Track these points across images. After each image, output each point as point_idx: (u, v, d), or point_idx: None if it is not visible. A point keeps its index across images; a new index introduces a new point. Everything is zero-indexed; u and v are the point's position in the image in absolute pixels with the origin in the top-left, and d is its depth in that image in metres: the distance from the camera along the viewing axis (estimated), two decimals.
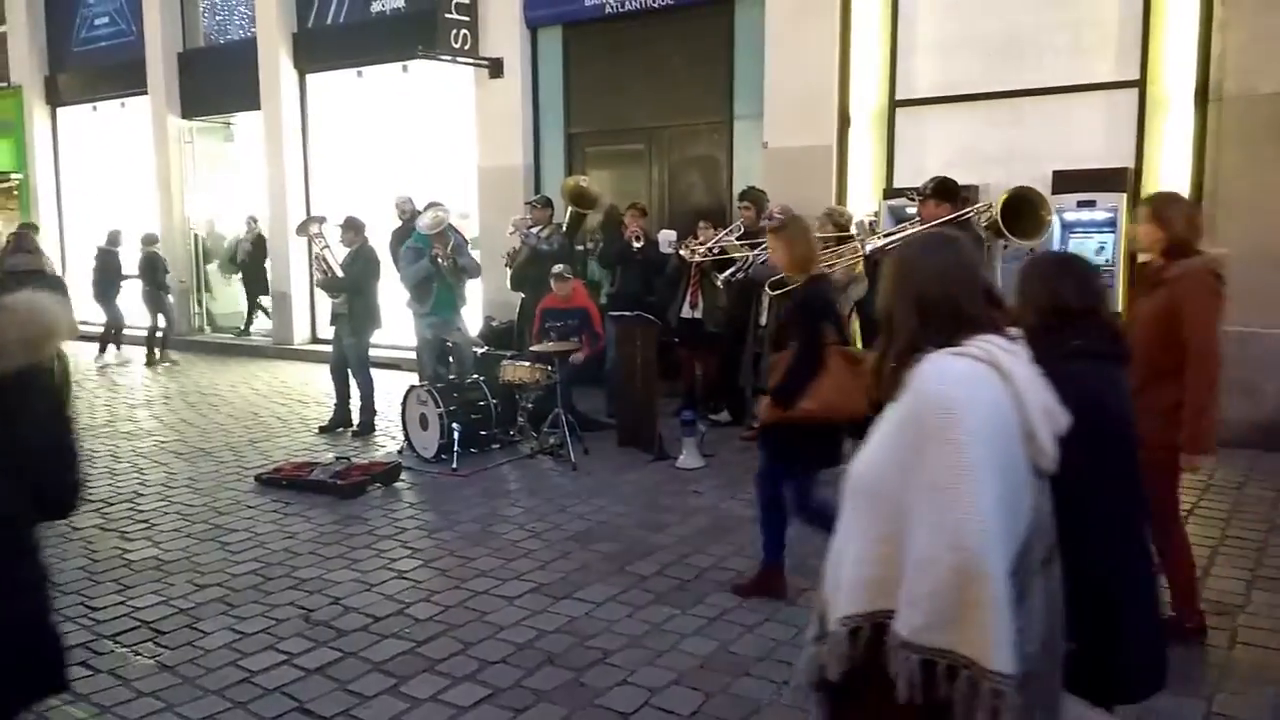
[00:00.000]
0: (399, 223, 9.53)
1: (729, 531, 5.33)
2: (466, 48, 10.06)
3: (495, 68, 10.20)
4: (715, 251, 7.44)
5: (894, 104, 8.22)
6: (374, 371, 8.05)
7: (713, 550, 5.01)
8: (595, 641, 4.06)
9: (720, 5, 9.05)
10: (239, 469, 6.84)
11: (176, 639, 4.16)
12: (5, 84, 15.45)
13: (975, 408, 1.79)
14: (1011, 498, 1.80)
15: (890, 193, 7.90)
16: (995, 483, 1.76)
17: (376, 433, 7.89)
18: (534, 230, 8.38)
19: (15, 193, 15.59)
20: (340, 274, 7.80)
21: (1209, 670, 3.69)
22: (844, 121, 8.34)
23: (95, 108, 14.91)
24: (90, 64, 14.68)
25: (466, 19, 10.04)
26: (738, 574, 4.71)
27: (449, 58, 10.01)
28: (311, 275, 10.18)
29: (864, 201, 8.29)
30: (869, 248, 5.90)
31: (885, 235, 5.92)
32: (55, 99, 15.24)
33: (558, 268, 7.63)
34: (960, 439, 1.75)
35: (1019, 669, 1.73)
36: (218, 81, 12.94)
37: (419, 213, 8.19)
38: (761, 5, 8.59)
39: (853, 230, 7.11)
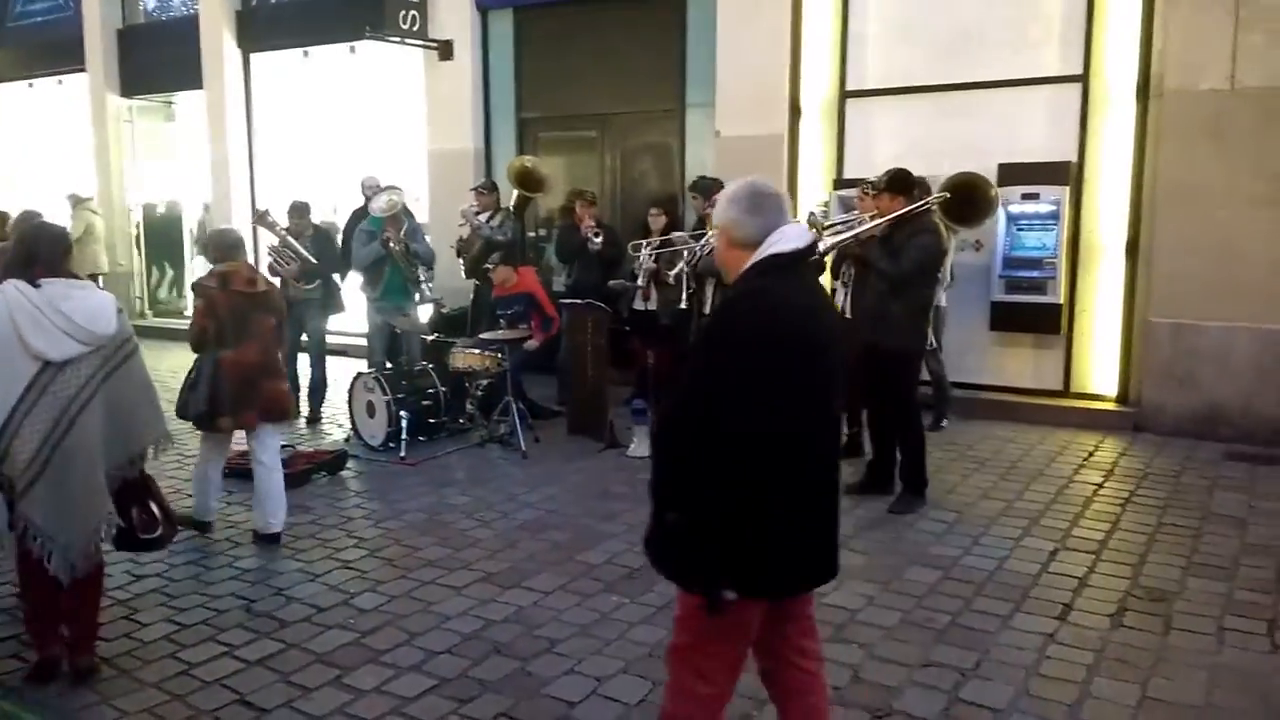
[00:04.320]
0: (362, 203, 9.38)
1: None
2: (415, 29, 9.89)
3: (445, 50, 10.05)
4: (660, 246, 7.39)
5: (844, 95, 8.27)
6: (324, 358, 7.96)
7: None
8: (543, 631, 4.04)
9: None
10: (179, 457, 6.67)
11: (114, 630, 4.05)
12: None
13: None
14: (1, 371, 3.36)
15: (840, 183, 7.96)
16: None
17: (323, 420, 7.79)
18: (483, 218, 8.30)
19: None
20: (313, 260, 7.66)
21: (1144, 655, 3.78)
22: (795, 111, 8.37)
23: (31, 85, 14.43)
24: (26, 40, 14.19)
25: (415, 0, 9.88)
26: None
27: (397, 39, 9.84)
28: (263, 262, 9.79)
29: (815, 191, 8.34)
30: (821, 246, 5.84)
31: (835, 233, 5.88)
32: None
33: (493, 259, 7.58)
34: None
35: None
36: (159, 59, 12.59)
37: (369, 197, 8.07)
38: None
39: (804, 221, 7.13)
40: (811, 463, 2.49)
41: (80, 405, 3.46)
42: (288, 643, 3.96)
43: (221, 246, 5.06)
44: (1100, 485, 5.91)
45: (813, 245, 2.55)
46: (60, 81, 13.96)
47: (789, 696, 2.73)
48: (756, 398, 2.35)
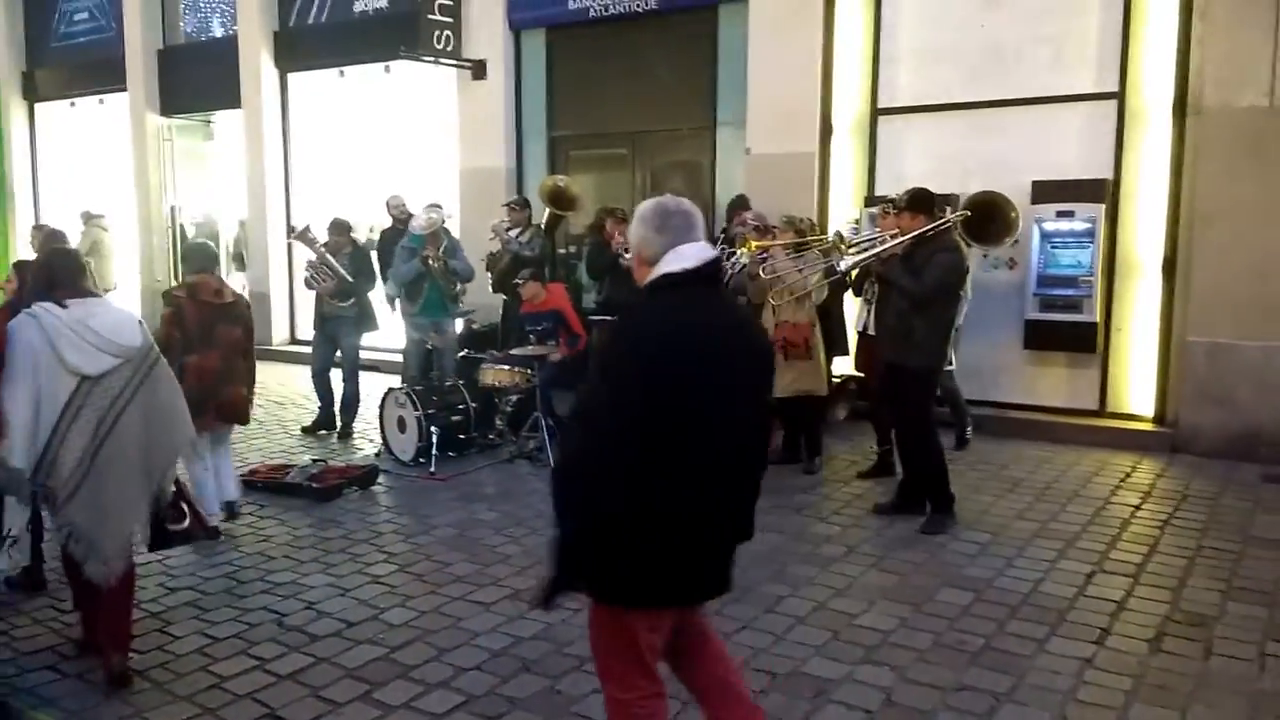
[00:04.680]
0: (391, 222, 9.59)
1: None
2: (449, 49, 10.01)
3: (478, 69, 10.16)
4: None
5: (876, 112, 8.25)
6: (357, 373, 8.06)
7: None
8: (572, 649, 4.03)
9: (704, 11, 9.06)
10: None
11: (147, 643, 4.09)
12: None
13: (15, 341, 3.58)
14: (45, 389, 3.55)
15: (871, 200, 7.94)
16: (25, 380, 3.54)
17: (354, 435, 7.85)
18: (513, 234, 8.35)
19: None
20: (350, 278, 7.76)
21: (1184, 681, 3.70)
22: (826, 129, 8.35)
23: (73, 104, 14.74)
24: (69, 60, 14.52)
25: (449, 20, 9.99)
26: None
27: (431, 59, 9.96)
28: (299, 278, 9.82)
29: (845, 209, 8.32)
30: (843, 265, 5.89)
31: (858, 251, 5.89)
32: (33, 95, 15.06)
33: (523, 274, 7.62)
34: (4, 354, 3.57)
35: (27, 466, 3.58)
36: (198, 79, 12.83)
37: (411, 214, 8.17)
38: (745, 13, 8.60)
39: (830, 238, 7.10)
40: (698, 478, 2.49)
41: (116, 414, 3.67)
42: (318, 657, 3.98)
43: (201, 258, 5.41)
44: (1138, 507, 5.81)
45: (710, 263, 2.57)
46: (101, 100, 14.26)
47: (702, 685, 2.81)
48: (637, 413, 2.39)
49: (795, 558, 5.04)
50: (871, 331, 6.53)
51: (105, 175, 14.26)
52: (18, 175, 15.16)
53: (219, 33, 12.94)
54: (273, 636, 4.18)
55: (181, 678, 3.82)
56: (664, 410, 2.40)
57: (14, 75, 14.96)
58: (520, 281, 7.59)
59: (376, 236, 10.34)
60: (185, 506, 4.07)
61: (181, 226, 13.67)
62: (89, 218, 12.73)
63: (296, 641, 4.12)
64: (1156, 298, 7.26)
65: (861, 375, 7.27)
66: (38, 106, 15.15)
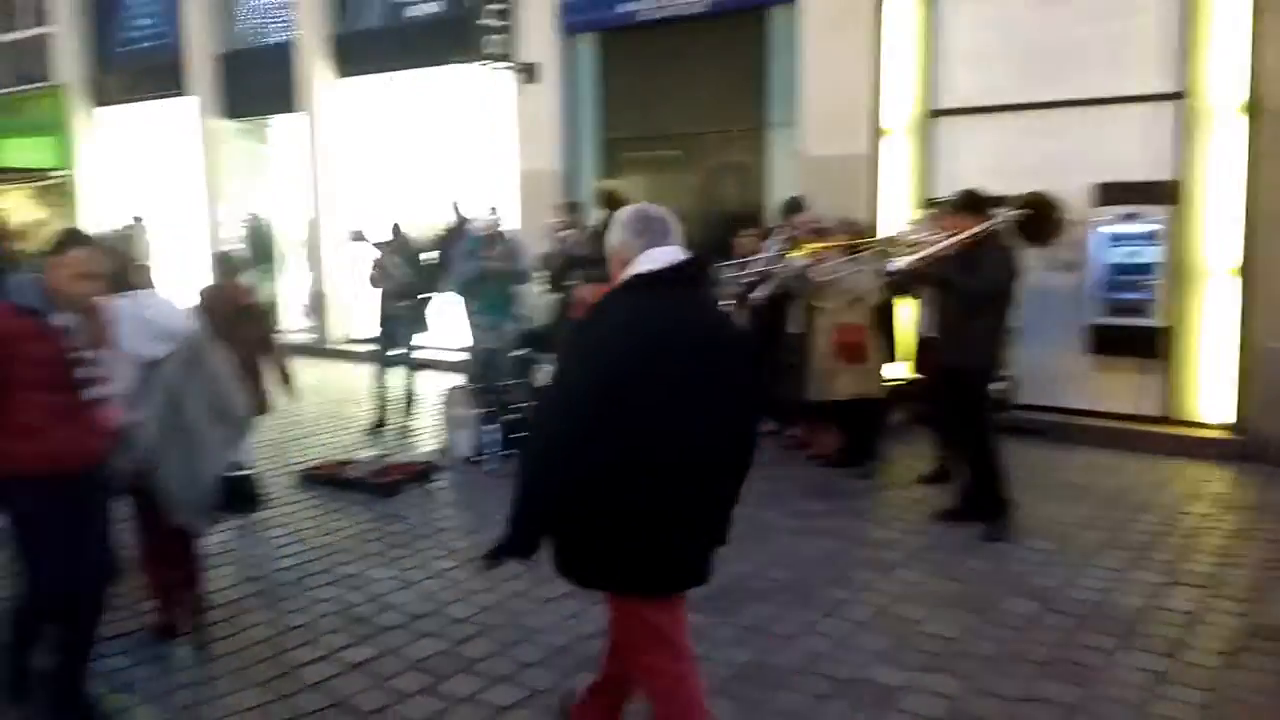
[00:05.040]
0: (451, 223, 9.71)
1: (766, 540, 5.29)
2: (502, 53, 10.10)
3: (532, 73, 10.23)
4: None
5: (931, 114, 8.17)
6: (416, 372, 8.23)
7: (752, 558, 4.96)
8: None
9: (755, 13, 9.03)
10: (281, 465, 6.89)
11: (220, 630, 4.19)
12: (50, 83, 15.67)
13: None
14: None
15: (929, 202, 7.86)
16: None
17: (414, 433, 7.96)
18: (566, 234, 8.41)
19: (61, 190, 15.81)
20: (408, 279, 7.92)
21: (1260, 696, 3.62)
22: (881, 130, 8.28)
23: (135, 108, 15.07)
24: (131, 65, 14.86)
25: (503, 24, 10.07)
26: (775, 583, 4.69)
27: (484, 63, 10.05)
28: (358, 278, 9.93)
29: (900, 210, 8.24)
30: (893, 266, 5.84)
31: (910, 252, 5.83)
32: (97, 99, 15.46)
33: (575, 276, 7.66)
34: None
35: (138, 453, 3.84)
36: (256, 84, 13.04)
37: (466, 218, 8.30)
38: (795, 13, 8.57)
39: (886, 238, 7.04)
40: (658, 472, 2.57)
41: (178, 393, 3.97)
42: (384, 648, 4.04)
43: (229, 265, 6.08)
44: (1210, 517, 5.68)
45: (677, 266, 2.64)
46: (162, 105, 14.56)
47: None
48: (592, 405, 2.49)
49: (855, 562, 5.01)
50: (930, 334, 6.47)
51: (165, 178, 14.59)
52: (84, 177, 15.57)
53: (276, 38, 13.17)
54: (340, 627, 4.25)
55: (254, 665, 3.90)
56: (620, 400, 2.50)
57: (81, 80, 15.36)
58: (573, 284, 7.63)
59: (437, 235, 10.46)
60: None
61: (260, 223, 13.95)
62: (135, 221, 13.16)
63: (364, 632, 4.19)
64: (1224, 302, 7.09)
65: (921, 378, 7.18)
66: (102, 111, 15.54)
